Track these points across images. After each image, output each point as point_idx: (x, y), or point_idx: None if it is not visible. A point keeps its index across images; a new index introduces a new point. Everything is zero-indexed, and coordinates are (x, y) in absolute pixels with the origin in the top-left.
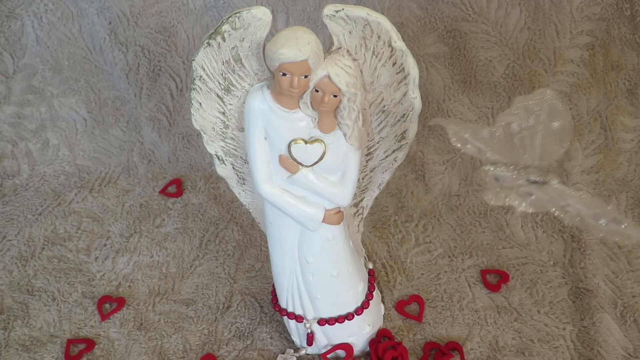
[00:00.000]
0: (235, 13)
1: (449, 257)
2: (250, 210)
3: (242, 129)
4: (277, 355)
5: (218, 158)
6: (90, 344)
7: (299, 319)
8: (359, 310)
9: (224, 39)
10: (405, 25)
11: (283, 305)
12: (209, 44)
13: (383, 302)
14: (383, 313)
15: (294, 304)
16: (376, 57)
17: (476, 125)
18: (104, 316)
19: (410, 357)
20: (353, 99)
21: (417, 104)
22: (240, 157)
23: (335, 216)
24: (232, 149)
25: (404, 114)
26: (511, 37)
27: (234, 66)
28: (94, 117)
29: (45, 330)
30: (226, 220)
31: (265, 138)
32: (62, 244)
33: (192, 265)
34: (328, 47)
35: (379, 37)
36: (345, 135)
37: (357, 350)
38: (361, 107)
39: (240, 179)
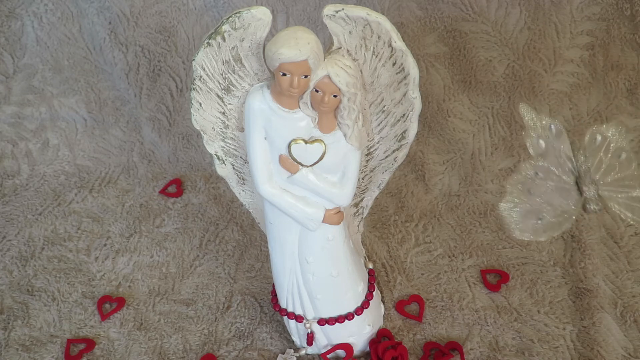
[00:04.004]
0: (235, 13)
1: (449, 257)
2: (250, 210)
3: (242, 129)
4: (277, 355)
5: (218, 158)
6: (90, 344)
7: (299, 319)
8: (359, 310)
9: (224, 39)
10: (405, 25)
11: (283, 305)
12: (209, 44)
13: (383, 302)
14: (383, 313)
15: (294, 304)
16: (376, 57)
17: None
18: (104, 316)
19: (410, 357)
20: (353, 99)
21: (417, 104)
22: (240, 157)
23: (335, 216)
24: (232, 149)
25: (404, 114)
26: (511, 37)
27: (234, 66)
28: (94, 117)
29: (45, 330)
30: (226, 220)
31: (265, 138)
32: (62, 244)
33: (192, 265)
34: (328, 47)
35: (379, 37)
36: (345, 135)
37: (357, 350)
38: (361, 107)
39: (240, 179)
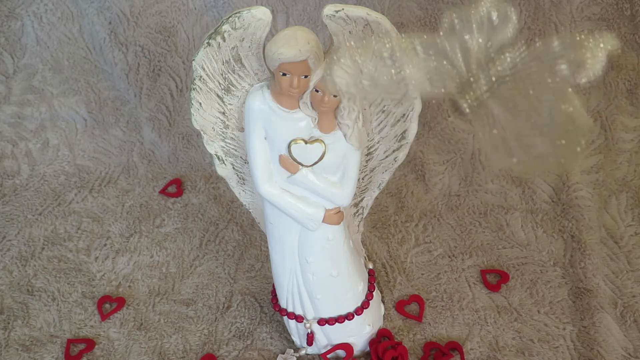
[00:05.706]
0: (235, 13)
1: (449, 257)
2: (250, 210)
3: (242, 129)
4: (277, 355)
5: (218, 158)
6: (90, 344)
7: (299, 319)
8: (359, 310)
9: (224, 39)
10: (405, 25)
11: (283, 305)
12: (209, 44)
13: (383, 302)
14: (383, 313)
15: (294, 304)
16: None
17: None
18: (104, 316)
19: (410, 357)
20: (353, 99)
21: (417, 104)
22: (240, 157)
23: (335, 216)
24: (232, 149)
25: (404, 114)
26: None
27: (234, 66)
28: (94, 117)
29: (45, 330)
30: (226, 220)
31: (265, 138)
32: (62, 244)
33: (192, 265)
34: (328, 47)
35: (379, 37)
36: (345, 135)
37: (357, 350)
38: (361, 107)
39: (240, 179)
